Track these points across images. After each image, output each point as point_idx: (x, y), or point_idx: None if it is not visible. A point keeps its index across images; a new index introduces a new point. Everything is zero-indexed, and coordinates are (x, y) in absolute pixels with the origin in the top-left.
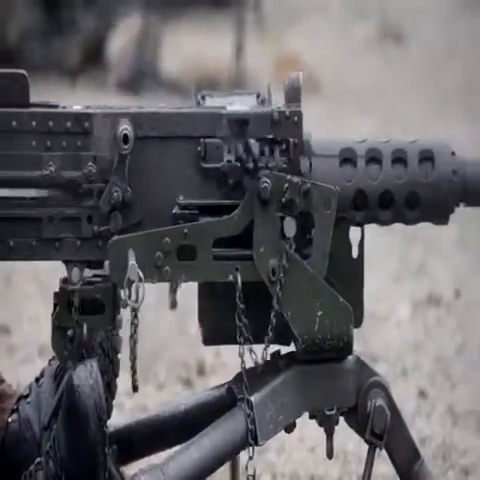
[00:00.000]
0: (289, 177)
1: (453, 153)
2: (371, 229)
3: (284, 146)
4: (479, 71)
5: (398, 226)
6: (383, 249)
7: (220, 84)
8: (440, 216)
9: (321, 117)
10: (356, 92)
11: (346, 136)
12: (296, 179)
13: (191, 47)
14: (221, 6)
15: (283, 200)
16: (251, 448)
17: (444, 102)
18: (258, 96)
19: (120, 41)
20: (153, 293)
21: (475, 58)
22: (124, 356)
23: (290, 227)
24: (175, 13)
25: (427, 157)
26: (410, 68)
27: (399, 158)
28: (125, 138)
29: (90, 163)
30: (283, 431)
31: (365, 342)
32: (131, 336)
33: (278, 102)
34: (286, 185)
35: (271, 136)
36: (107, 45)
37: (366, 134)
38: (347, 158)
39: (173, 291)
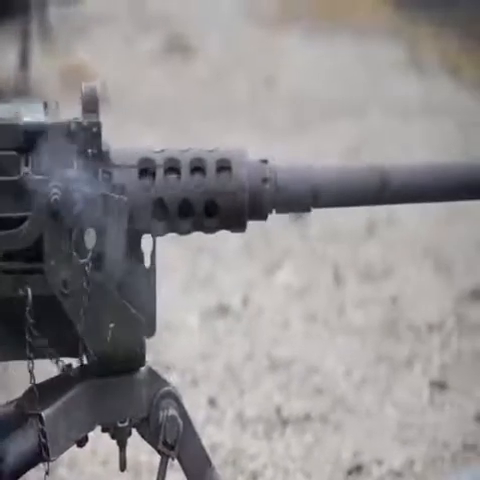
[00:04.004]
0: (80, 189)
1: (265, 161)
2: (159, 239)
3: (82, 157)
4: (263, 82)
5: (185, 236)
6: (171, 259)
7: (5, 95)
8: (238, 224)
9: (107, 129)
10: (142, 104)
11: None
12: (87, 190)
13: None
14: (5, 17)
15: (74, 212)
16: (43, 464)
17: (230, 113)
18: (45, 106)
19: None
20: None
21: (259, 69)
22: None
23: (91, 238)
24: None
25: (225, 166)
26: (197, 80)
27: (197, 167)
28: None
29: None
30: (75, 445)
31: (156, 352)
32: None
33: (65, 112)
34: (77, 197)
35: (68, 147)
36: None
37: (152, 146)
38: (146, 168)
39: None
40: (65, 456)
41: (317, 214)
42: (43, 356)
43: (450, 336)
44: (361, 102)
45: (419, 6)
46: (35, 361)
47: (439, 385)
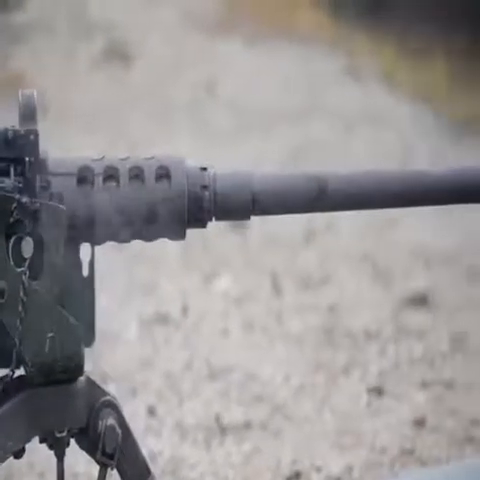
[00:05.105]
0: (17, 197)
1: (204, 168)
2: (98, 247)
3: (19, 165)
4: (204, 88)
5: (125, 244)
6: (110, 267)
7: None
8: (177, 232)
9: (46, 137)
10: (82, 112)
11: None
12: (25, 199)
13: None
14: None
15: (11, 220)
16: None
17: (169, 119)
18: None
19: None
20: None
21: (201, 76)
22: None
23: (28, 247)
24: None
25: (164, 174)
26: (137, 87)
27: (136, 175)
28: None
29: None
30: (12, 457)
31: (95, 362)
32: None
33: (2, 120)
34: (14, 205)
35: (5, 155)
36: None
37: (93, 154)
38: (85, 176)
39: None
40: (1, 468)
41: (256, 222)
42: None
43: (387, 343)
44: (301, 110)
45: (357, 15)
46: None
47: (377, 391)
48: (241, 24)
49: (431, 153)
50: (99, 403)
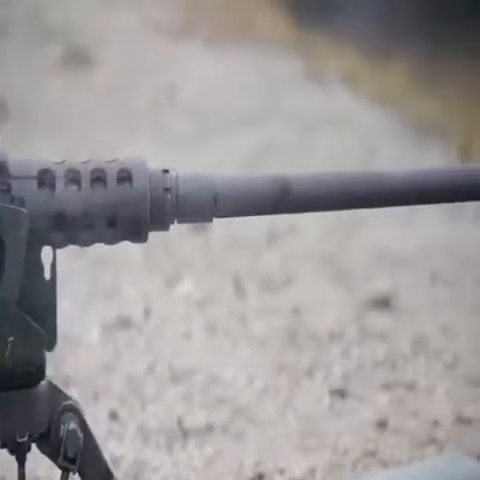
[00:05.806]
0: None
1: (166, 170)
2: (60, 250)
3: None
4: (164, 91)
5: (86, 248)
6: (72, 271)
7: None
8: (139, 235)
9: (6, 140)
10: (42, 116)
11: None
12: None
13: None
14: None
15: None
16: None
17: (131, 123)
18: None
19: None
20: None
21: (161, 81)
22: None
23: None
24: None
25: (125, 176)
26: (98, 91)
27: (98, 178)
28: None
29: None
30: None
31: (57, 366)
32: None
33: None
34: None
35: None
36: None
37: (55, 159)
38: (45, 179)
39: None
40: None
41: (218, 224)
42: None
43: (350, 345)
44: (263, 113)
45: (319, 19)
46: None
47: (340, 393)
48: (203, 28)
49: (394, 156)
50: (61, 407)
